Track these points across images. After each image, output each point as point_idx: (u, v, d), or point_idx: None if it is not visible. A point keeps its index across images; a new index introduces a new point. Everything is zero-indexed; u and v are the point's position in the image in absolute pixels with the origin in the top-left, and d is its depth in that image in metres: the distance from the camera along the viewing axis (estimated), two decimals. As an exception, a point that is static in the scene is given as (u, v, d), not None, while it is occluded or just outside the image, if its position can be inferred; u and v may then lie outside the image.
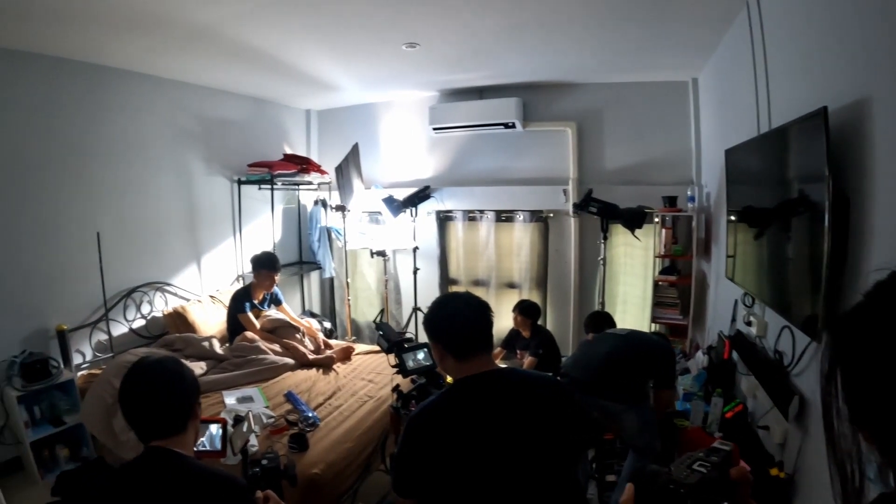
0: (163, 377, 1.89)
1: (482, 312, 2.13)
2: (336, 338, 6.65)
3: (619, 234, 5.94)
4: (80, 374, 4.76)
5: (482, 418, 1.92)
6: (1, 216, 4.36)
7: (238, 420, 3.01)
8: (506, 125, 6.28)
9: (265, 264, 5.44)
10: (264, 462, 2.47)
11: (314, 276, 7.94)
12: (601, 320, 4.63)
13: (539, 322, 5.57)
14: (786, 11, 2.93)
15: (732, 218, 3.68)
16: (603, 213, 5.45)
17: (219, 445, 2.32)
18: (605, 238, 5.70)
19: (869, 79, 1.94)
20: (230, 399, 4.12)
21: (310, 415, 3.85)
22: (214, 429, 2.38)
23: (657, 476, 0.97)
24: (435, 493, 1.91)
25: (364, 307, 7.80)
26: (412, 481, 1.94)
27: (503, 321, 5.61)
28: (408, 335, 3.71)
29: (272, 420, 3.79)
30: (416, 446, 1.94)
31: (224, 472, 1.94)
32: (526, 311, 5.39)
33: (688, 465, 0.98)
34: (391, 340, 3.32)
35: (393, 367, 3.12)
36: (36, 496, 4.06)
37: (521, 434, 1.92)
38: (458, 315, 2.11)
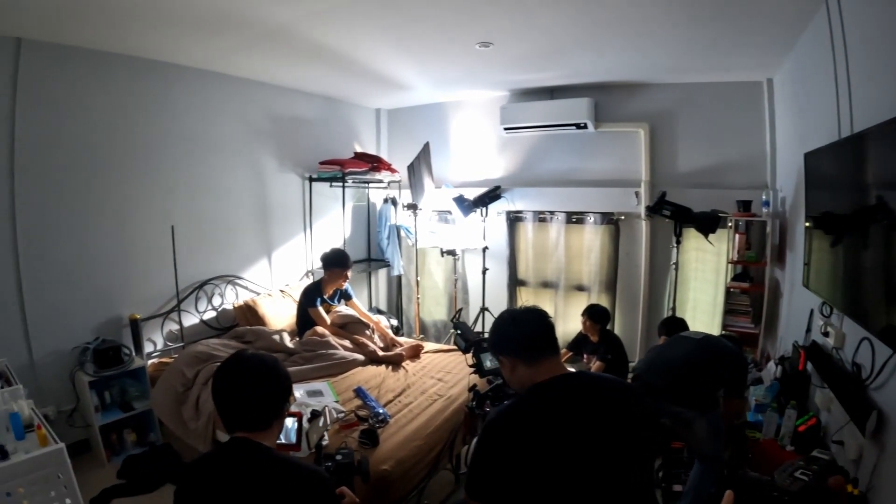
0: (259, 372, 1.89)
1: (542, 315, 2.14)
2: (402, 335, 6.63)
3: (691, 239, 5.75)
4: (150, 362, 4.87)
5: (559, 423, 1.87)
6: (81, 209, 4.50)
7: (315, 415, 3.00)
8: (577, 126, 6.17)
9: (337, 262, 5.46)
10: (339, 457, 2.45)
11: (382, 273, 7.96)
12: (676, 326, 4.48)
13: (608, 327, 5.45)
14: (867, 9, 2.78)
15: (809, 224, 3.53)
16: (676, 217, 5.31)
17: (293, 439, 2.34)
18: (678, 242, 5.53)
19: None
20: (299, 392, 4.11)
21: (380, 411, 3.81)
22: (290, 422, 2.39)
23: (760, 483, 0.94)
24: (510, 498, 1.85)
25: (431, 306, 7.77)
26: (487, 485, 1.90)
27: (571, 324, 5.51)
28: (485, 335, 3.64)
29: (342, 415, 3.75)
30: (494, 450, 1.89)
31: (308, 464, 1.94)
32: (595, 315, 5.26)
33: (790, 472, 0.96)
34: (469, 340, 3.27)
35: (470, 366, 3.08)
36: (102, 478, 4.15)
37: (597, 437, 1.86)
38: (519, 319, 2.13)
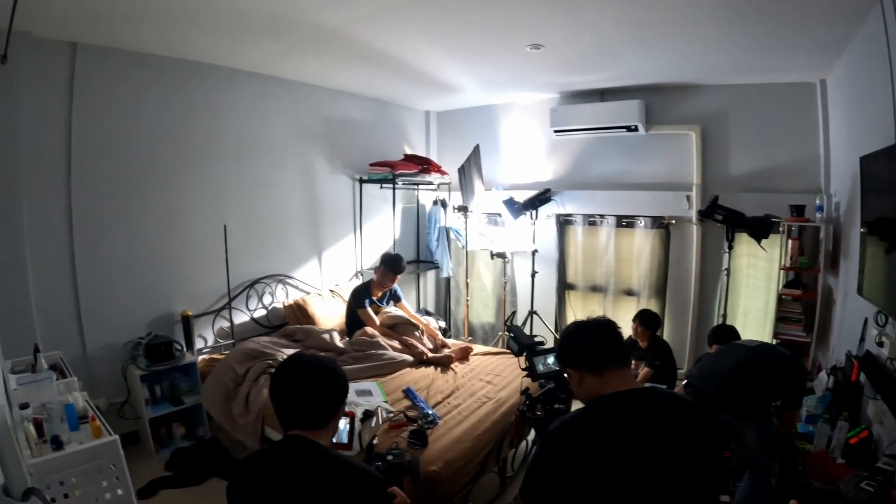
0: (318, 372, 1.92)
1: (610, 325, 2.10)
2: (450, 337, 6.61)
3: (743, 244, 5.63)
4: (201, 358, 4.95)
5: (622, 439, 1.80)
6: (136, 208, 4.61)
7: (367, 415, 3.01)
8: (628, 128, 6.10)
9: (392, 265, 5.50)
10: (390, 458, 2.44)
11: (430, 275, 7.98)
12: (726, 334, 4.37)
13: (657, 333, 5.37)
14: None
15: (866, 230, 3.40)
16: (728, 222, 5.19)
17: (345, 438, 2.36)
18: (730, 247, 5.42)
19: None
20: (349, 392, 4.13)
21: (429, 412, 3.80)
22: (342, 422, 2.39)
23: (825, 494, 0.91)
24: None
25: (479, 308, 7.74)
26: (543, 494, 1.86)
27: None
28: (538, 338, 3.62)
29: (391, 415, 3.76)
30: (552, 461, 1.86)
31: (361, 464, 1.96)
32: (647, 321, 5.19)
33: (855, 483, 0.92)
34: (522, 343, 3.24)
35: (523, 369, 3.05)
36: (149, 469, 4.24)
37: (661, 457, 1.79)
38: (586, 330, 2.10)
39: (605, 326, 2.07)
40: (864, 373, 3.44)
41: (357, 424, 2.62)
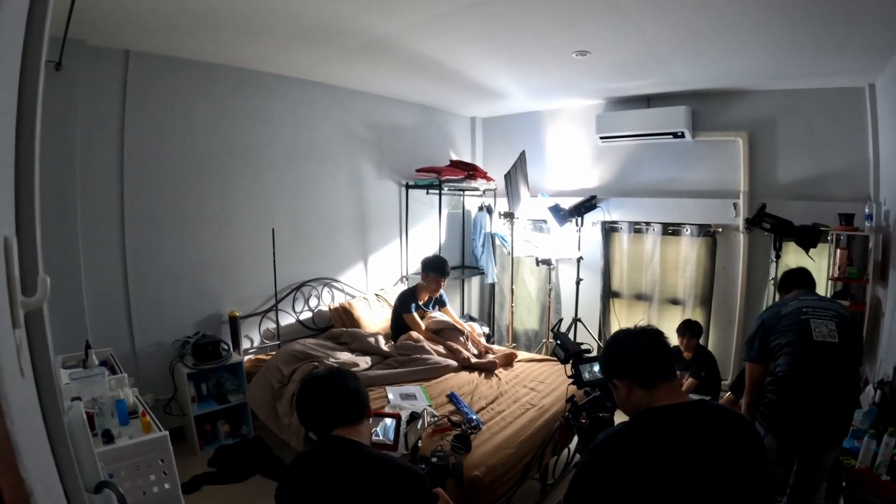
0: (336, 377, 2.09)
1: (659, 335, 2.05)
2: (493, 343, 6.60)
3: (790, 253, 5.50)
4: (247, 358, 5.04)
5: (675, 453, 1.77)
6: (188, 211, 4.73)
7: (414, 417, 3.04)
8: (674, 135, 6.03)
9: (436, 268, 5.51)
10: (434, 459, 2.47)
11: (475, 280, 7.98)
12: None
13: (700, 341, 5.31)
14: None
15: None
16: (776, 230, 5.12)
17: (391, 437, 2.38)
18: (778, 257, 5.33)
19: None
20: (393, 395, 4.16)
21: (473, 417, 3.81)
22: (389, 422, 2.45)
23: None
24: None
25: (523, 315, 7.71)
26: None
27: None
28: (584, 346, 3.60)
29: (436, 419, 3.77)
30: (599, 474, 1.83)
31: (404, 461, 2.05)
32: (690, 330, 5.14)
33: None
34: (569, 350, 3.22)
35: (569, 377, 3.04)
36: (193, 465, 4.33)
37: (710, 474, 1.75)
38: (637, 340, 2.05)
39: (654, 337, 2.03)
40: None
41: (403, 426, 2.65)
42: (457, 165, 6.76)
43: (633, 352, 2.00)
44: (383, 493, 1.81)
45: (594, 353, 3.24)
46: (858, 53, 4.39)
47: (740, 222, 5.87)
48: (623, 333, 2.11)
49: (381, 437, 2.40)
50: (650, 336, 2.03)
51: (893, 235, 4.40)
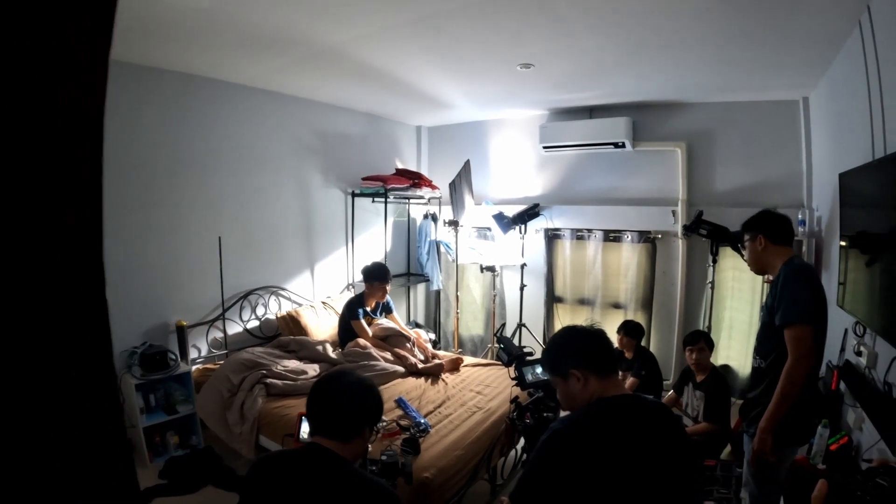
0: (357, 388, 2.03)
1: (604, 332, 2.16)
2: (440, 349, 6.70)
3: (728, 258, 5.79)
4: (195, 367, 4.99)
5: (626, 441, 1.88)
6: (133, 220, 4.64)
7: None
8: (615, 145, 6.24)
9: (377, 276, 5.56)
10: (384, 458, 2.54)
11: (420, 288, 8.07)
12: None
13: (642, 343, 5.48)
14: None
15: (844, 243, 3.54)
16: (713, 236, 5.40)
17: None
18: (714, 261, 5.59)
19: None
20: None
21: (421, 421, 3.90)
22: None
23: (848, 484, 1.02)
24: None
25: (469, 321, 7.81)
26: (542, 495, 1.90)
27: None
28: (526, 349, 3.73)
29: (384, 424, 3.84)
30: (559, 460, 1.90)
31: (381, 480, 2.02)
32: (631, 331, 5.30)
33: (868, 476, 1.03)
34: (512, 353, 3.35)
35: (512, 378, 3.15)
36: (144, 477, 4.21)
37: (659, 461, 1.89)
38: (589, 333, 2.13)
39: (601, 332, 2.13)
40: (844, 381, 3.57)
41: (371, 437, 2.72)
42: (402, 174, 6.83)
43: (590, 343, 2.09)
44: None
45: (536, 356, 3.35)
46: (793, 69, 4.64)
47: (679, 229, 6.10)
48: (574, 328, 2.19)
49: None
50: (598, 331, 2.13)
51: (825, 240, 4.64)
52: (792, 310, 2.71)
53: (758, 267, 3.12)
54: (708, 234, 5.40)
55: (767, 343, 2.92)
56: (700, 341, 4.67)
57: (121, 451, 0.81)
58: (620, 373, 5.16)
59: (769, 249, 2.98)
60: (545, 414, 2.92)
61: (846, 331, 3.69)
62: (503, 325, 7.09)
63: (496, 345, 4.04)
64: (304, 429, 2.58)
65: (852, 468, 3.01)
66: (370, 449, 3.21)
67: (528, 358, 3.24)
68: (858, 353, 3.36)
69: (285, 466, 1.92)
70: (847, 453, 3.21)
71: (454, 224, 6.70)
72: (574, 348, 2.11)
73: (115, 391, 0.79)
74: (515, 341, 6.62)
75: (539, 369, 3.08)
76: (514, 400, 3.14)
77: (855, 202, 3.42)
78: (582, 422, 1.97)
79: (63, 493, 0.76)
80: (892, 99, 2.95)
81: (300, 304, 6.01)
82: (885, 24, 3.02)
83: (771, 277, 3.06)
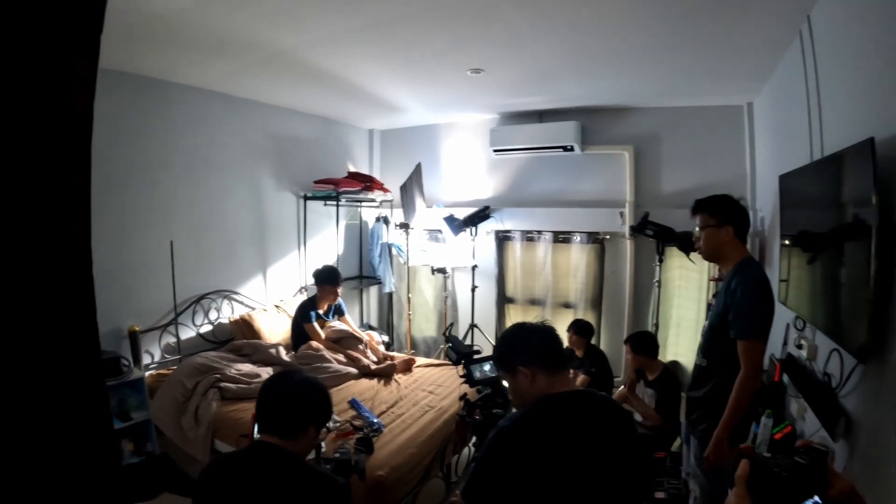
0: (307, 388, 2.14)
1: (553, 329, 2.23)
2: (394, 351, 6.75)
3: (675, 258, 5.93)
4: (148, 373, 4.94)
5: (575, 435, 1.94)
6: None
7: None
8: (564, 148, 6.34)
9: (328, 279, 5.60)
10: (337, 455, 2.60)
11: (373, 290, 8.09)
12: (641, 340, 4.85)
13: (592, 342, 5.62)
14: (837, 41, 2.97)
15: (786, 242, 3.68)
16: (659, 236, 5.54)
17: None
18: (661, 261, 5.77)
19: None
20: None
21: (374, 421, 3.97)
22: None
23: (767, 461, 1.10)
24: None
25: (421, 323, 7.87)
26: (491, 491, 1.94)
27: None
28: (475, 348, 3.83)
29: (338, 424, 3.91)
30: (506, 456, 1.94)
31: (328, 472, 2.10)
32: (580, 330, 5.43)
33: (790, 455, 1.12)
34: (460, 352, 3.42)
35: (461, 376, 3.23)
36: None
37: (606, 455, 1.96)
38: (538, 330, 2.20)
39: (551, 329, 2.20)
40: (787, 373, 3.69)
41: (321, 436, 2.79)
42: (354, 177, 6.87)
43: (538, 340, 2.15)
44: (300, 498, 1.90)
45: (484, 354, 3.43)
46: (737, 76, 4.82)
47: (626, 230, 6.24)
48: (523, 325, 2.25)
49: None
50: (548, 328, 2.20)
51: (768, 239, 4.79)
52: (750, 325, 2.81)
53: (714, 255, 3.14)
54: (654, 235, 5.54)
55: (714, 345, 3.02)
56: (628, 343, 4.91)
57: (109, 448, 0.86)
58: (571, 371, 5.30)
59: (732, 243, 3.02)
60: (494, 410, 2.99)
61: (788, 325, 3.82)
62: (451, 325, 7.17)
63: (446, 344, 4.14)
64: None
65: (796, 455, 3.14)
66: (324, 448, 3.29)
67: (476, 356, 3.32)
68: (799, 346, 3.48)
69: (234, 466, 1.98)
70: (791, 442, 3.27)
71: (405, 227, 6.76)
72: (522, 345, 2.16)
73: (103, 391, 0.85)
74: (468, 342, 6.72)
75: (487, 367, 3.16)
76: (463, 397, 3.22)
77: (794, 203, 3.56)
78: (529, 418, 2.02)
79: (53, 490, 0.80)
80: (830, 104, 3.11)
81: (253, 308, 6.00)
82: (823, 34, 3.19)
83: (720, 273, 3.17)
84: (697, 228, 3.14)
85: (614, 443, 2.00)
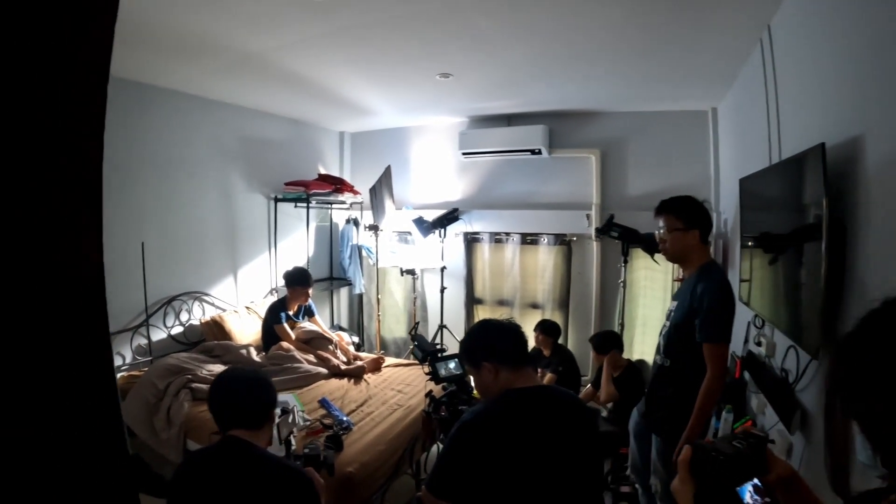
0: (255, 381, 2.25)
1: (519, 327, 2.34)
2: (364, 351, 6.81)
3: (640, 259, 6.07)
4: (120, 375, 4.94)
5: (533, 428, 2.04)
6: None
7: (284, 411, 3.23)
8: (532, 151, 6.47)
9: (299, 280, 5.65)
10: (306, 450, 2.71)
11: (343, 291, 8.14)
12: (604, 340, 5.08)
13: (560, 341, 5.74)
14: (795, 49, 3.11)
15: (746, 244, 3.81)
16: (624, 238, 5.66)
17: None
18: (626, 262, 5.89)
19: (863, 117, 2.12)
20: (270, 402, 4.33)
21: (344, 419, 4.04)
22: None
23: (706, 447, 1.21)
24: (475, 498, 2.00)
25: (391, 324, 7.94)
26: (455, 483, 2.03)
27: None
28: (440, 346, 3.92)
29: (308, 423, 3.98)
30: (468, 448, 2.03)
31: (295, 464, 2.21)
32: (547, 330, 5.57)
33: (729, 440, 1.22)
34: (426, 350, 3.52)
35: (426, 373, 3.32)
36: None
37: (563, 445, 2.06)
38: (502, 327, 2.31)
39: (516, 327, 2.32)
40: (748, 370, 3.83)
41: (275, 420, 2.87)
42: (325, 179, 6.92)
43: (502, 337, 2.26)
44: (271, 491, 1.98)
45: (450, 353, 3.53)
46: (701, 82, 4.97)
47: (593, 231, 6.37)
48: (489, 322, 2.37)
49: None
50: (513, 326, 2.32)
51: (731, 240, 4.92)
52: (716, 330, 2.92)
53: (679, 257, 3.20)
54: (619, 237, 5.65)
55: (678, 346, 3.11)
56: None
57: (119, 446, 0.88)
58: (539, 370, 5.42)
59: (698, 246, 3.10)
60: (459, 407, 3.09)
61: (749, 324, 3.97)
62: (417, 324, 7.21)
63: (412, 342, 4.23)
64: None
65: None
66: (294, 445, 3.37)
67: (441, 354, 3.41)
68: (759, 344, 3.62)
69: (207, 463, 2.07)
70: None
71: (375, 229, 6.81)
72: (486, 341, 2.28)
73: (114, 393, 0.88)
74: (437, 342, 6.80)
75: (452, 364, 3.25)
76: (429, 394, 3.32)
77: (752, 205, 3.69)
78: (490, 412, 2.13)
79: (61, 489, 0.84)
80: (787, 110, 3.26)
81: (224, 310, 6.02)
82: (782, 42, 3.34)
83: (683, 275, 3.27)
84: (662, 230, 3.21)
85: (574, 436, 2.11)
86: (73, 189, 0.83)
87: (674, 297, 3.34)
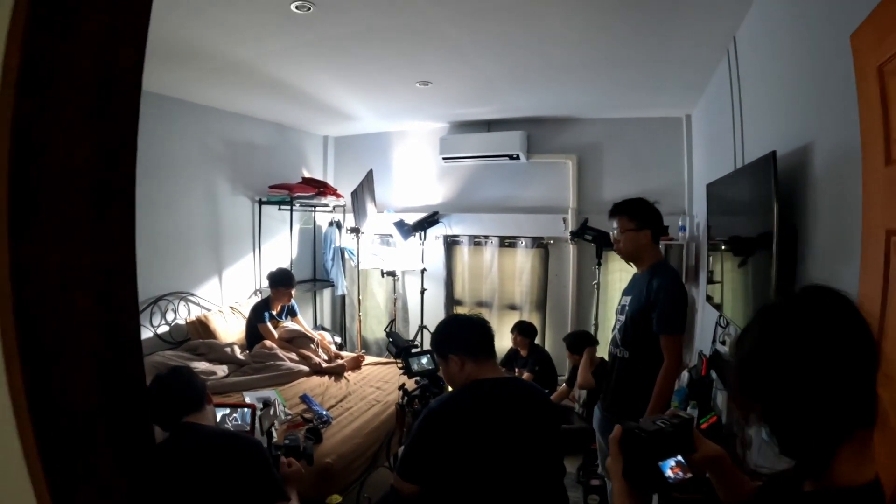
0: (182, 372, 2.50)
1: (486, 322, 2.49)
2: (346, 351, 6.93)
3: (615, 261, 6.21)
4: (109, 372, 5.05)
5: (494, 416, 2.18)
6: None
7: (266, 404, 3.37)
8: (511, 156, 6.61)
9: (283, 281, 5.77)
10: (287, 441, 2.85)
11: (326, 293, 8.23)
12: (578, 340, 5.27)
13: (537, 342, 5.90)
14: (757, 61, 3.30)
15: (716, 247, 3.95)
16: (598, 241, 5.81)
17: (248, 422, 2.79)
18: (600, 264, 6.05)
19: (813, 125, 2.31)
20: (250, 399, 4.43)
21: (324, 413, 4.19)
22: (246, 411, 2.83)
23: (632, 426, 1.38)
24: (442, 481, 2.13)
25: (373, 324, 8.07)
26: (422, 467, 2.15)
27: (504, 341, 5.82)
28: (416, 344, 4.08)
29: (290, 417, 4.14)
30: (434, 434, 2.16)
31: (242, 432, 2.49)
32: (524, 331, 5.73)
33: (653, 420, 1.39)
34: (399, 346, 3.69)
35: (400, 368, 3.48)
36: None
37: (524, 432, 2.21)
38: (469, 322, 2.47)
39: (482, 322, 2.47)
40: (713, 368, 3.99)
41: (257, 413, 3.02)
42: (308, 182, 7.02)
43: (468, 331, 2.42)
44: (230, 459, 2.19)
45: (421, 349, 3.70)
46: (674, 90, 5.15)
47: (569, 235, 6.50)
48: (457, 316, 2.55)
49: (239, 423, 2.79)
50: (479, 321, 2.47)
51: (703, 243, 5.08)
52: (675, 322, 3.06)
53: (632, 256, 3.32)
54: (593, 240, 5.81)
55: (635, 337, 3.24)
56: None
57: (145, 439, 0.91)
58: (517, 369, 5.58)
59: (649, 245, 3.26)
60: (430, 400, 3.26)
61: (716, 324, 4.12)
62: (392, 321, 7.37)
63: (387, 339, 4.39)
64: None
65: (720, 443, 3.44)
66: (275, 437, 3.52)
67: (414, 350, 3.57)
68: (723, 343, 3.80)
69: (169, 450, 2.23)
70: (718, 430, 3.58)
71: (356, 231, 6.93)
72: (454, 335, 2.44)
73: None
74: (417, 342, 6.93)
75: (424, 360, 3.39)
76: (402, 387, 3.48)
77: (718, 210, 3.87)
78: (455, 400, 2.29)
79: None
80: (750, 118, 3.45)
81: (209, 310, 6.11)
82: (746, 53, 3.53)
83: (638, 270, 3.43)
84: (615, 230, 3.37)
85: (535, 423, 2.26)
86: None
87: (625, 293, 3.46)
